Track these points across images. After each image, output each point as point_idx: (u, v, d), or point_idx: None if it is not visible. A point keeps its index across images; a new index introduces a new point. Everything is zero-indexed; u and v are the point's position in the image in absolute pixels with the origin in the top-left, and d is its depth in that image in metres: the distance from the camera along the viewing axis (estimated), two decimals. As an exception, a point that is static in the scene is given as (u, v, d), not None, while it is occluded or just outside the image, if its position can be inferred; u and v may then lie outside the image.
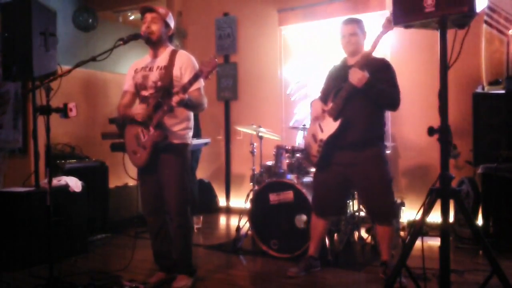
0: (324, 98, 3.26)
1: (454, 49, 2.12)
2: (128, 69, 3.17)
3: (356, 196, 4.01)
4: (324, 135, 3.15)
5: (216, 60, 2.74)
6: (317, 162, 3.21)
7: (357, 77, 2.94)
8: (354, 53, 3.19)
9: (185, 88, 2.77)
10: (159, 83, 2.94)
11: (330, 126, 3.12)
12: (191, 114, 3.11)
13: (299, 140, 4.70)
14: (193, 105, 2.91)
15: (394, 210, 3.18)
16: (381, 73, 3.08)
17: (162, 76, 2.94)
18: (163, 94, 2.88)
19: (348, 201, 3.95)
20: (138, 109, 2.96)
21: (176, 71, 2.93)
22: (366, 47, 3.13)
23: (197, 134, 4.94)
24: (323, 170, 3.24)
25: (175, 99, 2.73)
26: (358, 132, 3.08)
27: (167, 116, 2.89)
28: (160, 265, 3.17)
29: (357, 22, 3.22)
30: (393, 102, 3.10)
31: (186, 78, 2.88)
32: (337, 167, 3.17)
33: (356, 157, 3.10)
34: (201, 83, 2.97)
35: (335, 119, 3.09)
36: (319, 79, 4.30)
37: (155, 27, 2.97)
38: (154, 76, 2.98)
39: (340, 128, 3.06)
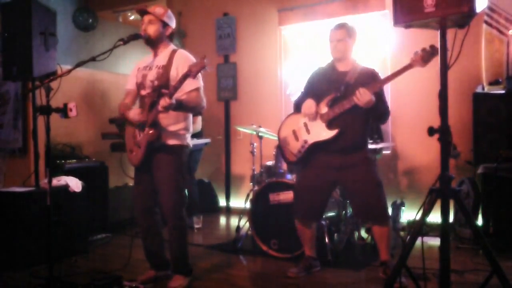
0: (309, 98, 3.22)
1: (454, 49, 2.12)
2: (133, 67, 3.18)
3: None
4: (311, 138, 3.14)
5: (206, 61, 2.68)
6: (295, 162, 3.20)
7: (366, 99, 2.89)
8: (340, 59, 3.19)
9: (171, 93, 2.72)
10: (155, 83, 2.94)
11: (320, 131, 3.10)
12: (190, 115, 3.10)
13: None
14: (187, 107, 2.89)
15: (387, 211, 3.17)
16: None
17: (159, 75, 2.94)
18: (159, 94, 2.87)
19: (347, 200, 3.95)
20: (135, 113, 2.95)
21: (173, 71, 2.92)
22: (380, 74, 3.14)
23: (199, 135, 4.95)
24: (308, 174, 3.22)
25: (161, 103, 2.71)
26: (349, 139, 3.09)
27: (163, 115, 2.88)
28: (151, 262, 3.20)
29: (346, 27, 3.18)
30: (386, 119, 3.20)
31: None
32: (328, 171, 3.15)
33: (346, 160, 3.10)
34: (199, 83, 2.95)
35: (329, 127, 3.07)
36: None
37: (151, 29, 2.97)
38: (151, 75, 2.98)
39: (335, 138, 3.06)
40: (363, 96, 2.90)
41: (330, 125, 3.08)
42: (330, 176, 3.16)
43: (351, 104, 2.99)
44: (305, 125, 3.18)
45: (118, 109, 3.16)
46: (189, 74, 2.70)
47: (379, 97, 3.02)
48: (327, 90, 3.14)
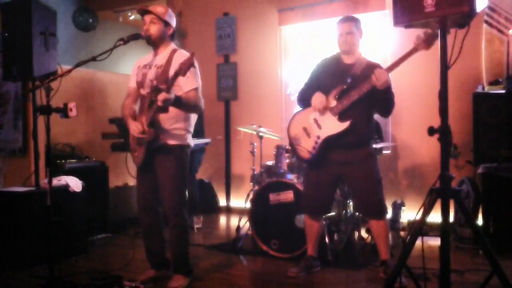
0: (316, 91, 3.21)
1: (454, 49, 2.12)
2: (134, 65, 3.17)
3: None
4: (323, 133, 3.14)
5: (193, 56, 2.68)
6: (310, 159, 3.19)
7: (383, 79, 2.90)
8: (349, 52, 3.18)
9: (168, 87, 2.73)
10: (154, 82, 2.94)
11: (332, 125, 3.10)
12: (191, 115, 3.10)
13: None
14: (185, 106, 2.89)
15: (385, 205, 3.20)
16: None
17: (158, 75, 2.94)
18: (157, 93, 2.87)
19: (346, 200, 3.95)
20: (134, 128, 2.93)
21: (171, 71, 2.88)
22: (389, 56, 3.14)
23: (200, 134, 4.94)
24: (316, 169, 3.23)
25: (159, 97, 2.69)
26: (357, 133, 3.10)
27: (164, 115, 2.88)
28: (151, 262, 3.21)
29: (354, 20, 3.20)
30: (392, 109, 3.16)
31: (180, 79, 2.82)
32: (332, 166, 3.18)
33: (351, 155, 3.13)
34: (197, 83, 2.95)
35: (341, 119, 3.08)
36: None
37: (153, 29, 2.97)
38: (151, 74, 2.98)
39: (346, 130, 3.06)
40: (381, 76, 2.90)
41: (341, 117, 3.08)
42: (334, 170, 3.20)
43: (361, 92, 2.98)
44: (316, 121, 3.18)
45: (121, 110, 3.15)
46: (179, 72, 2.69)
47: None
48: (333, 83, 3.14)
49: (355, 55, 3.19)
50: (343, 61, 3.21)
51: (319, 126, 3.17)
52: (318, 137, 3.15)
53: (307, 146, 3.19)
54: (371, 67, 3.06)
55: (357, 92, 3.02)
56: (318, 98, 3.13)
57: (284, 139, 5.03)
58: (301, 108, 3.36)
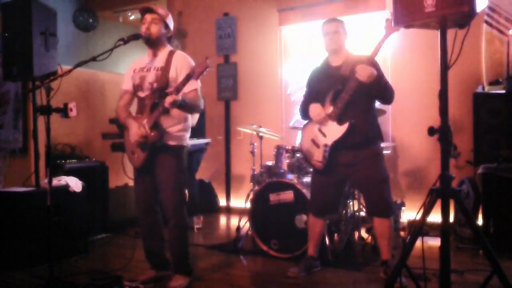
0: (314, 101, 3.23)
1: (454, 49, 2.12)
2: (127, 68, 3.17)
3: (356, 195, 4.02)
4: (328, 140, 3.15)
5: (208, 61, 2.72)
6: (323, 169, 3.20)
7: (367, 73, 2.91)
8: (336, 51, 3.22)
9: (177, 89, 2.77)
10: (155, 85, 2.95)
11: (335, 130, 3.11)
12: (189, 115, 3.11)
13: (299, 140, 4.71)
14: (188, 107, 2.91)
15: (392, 205, 3.20)
16: None
17: (158, 77, 2.95)
18: (159, 95, 2.88)
19: (347, 200, 3.95)
20: (135, 132, 2.93)
21: (172, 73, 2.94)
22: (368, 49, 3.14)
23: (200, 134, 4.94)
24: (323, 172, 3.24)
25: (168, 100, 2.73)
26: (361, 133, 3.11)
27: (164, 116, 2.89)
28: (151, 262, 3.21)
29: (340, 21, 3.25)
30: (392, 96, 3.15)
31: (181, 79, 2.88)
32: (338, 168, 3.19)
33: (356, 156, 3.13)
34: (197, 84, 2.97)
35: (340, 123, 3.09)
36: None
37: (154, 29, 2.98)
38: (150, 77, 2.98)
39: (347, 132, 3.07)
40: (363, 71, 2.91)
41: (340, 121, 3.09)
42: (341, 172, 3.21)
43: (351, 90, 2.99)
44: (320, 130, 3.20)
45: (116, 112, 3.16)
46: (192, 74, 2.72)
47: (378, 74, 3.03)
48: (325, 88, 3.16)
49: (342, 56, 3.21)
50: (331, 64, 3.25)
51: (323, 135, 3.18)
52: (326, 145, 3.16)
53: (318, 157, 3.21)
54: (359, 61, 3.03)
55: (347, 92, 3.03)
56: (314, 110, 3.18)
57: (284, 139, 5.04)
58: (306, 121, 3.39)
